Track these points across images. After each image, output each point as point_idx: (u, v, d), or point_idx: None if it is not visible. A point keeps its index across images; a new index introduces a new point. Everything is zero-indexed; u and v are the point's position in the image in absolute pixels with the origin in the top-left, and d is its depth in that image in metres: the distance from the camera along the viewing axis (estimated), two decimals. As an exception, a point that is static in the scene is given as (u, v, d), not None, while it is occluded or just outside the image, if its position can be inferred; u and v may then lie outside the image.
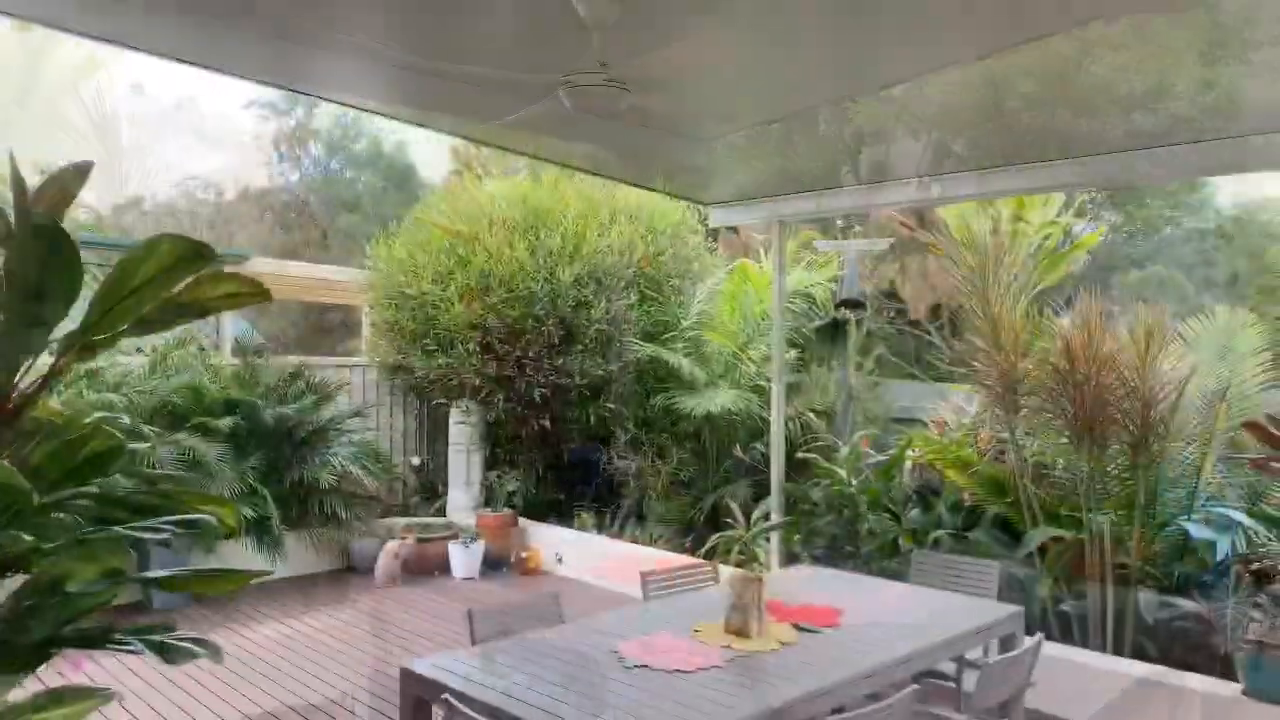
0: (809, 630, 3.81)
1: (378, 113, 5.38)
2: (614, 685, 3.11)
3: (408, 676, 3.33)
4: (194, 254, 1.96)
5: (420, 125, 5.58)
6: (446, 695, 2.94)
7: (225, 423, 7.81)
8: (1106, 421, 5.58)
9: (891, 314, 20.29)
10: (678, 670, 3.28)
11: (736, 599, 3.72)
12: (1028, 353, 5.99)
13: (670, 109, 3.88)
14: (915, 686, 3.04)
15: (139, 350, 8.71)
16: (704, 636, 3.69)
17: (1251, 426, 4.71)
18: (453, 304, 8.71)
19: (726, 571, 4.91)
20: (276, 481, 8.38)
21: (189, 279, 2.03)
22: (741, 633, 3.68)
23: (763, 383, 8.93)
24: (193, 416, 7.90)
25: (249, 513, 7.71)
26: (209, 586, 1.87)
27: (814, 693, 3.09)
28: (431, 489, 10.16)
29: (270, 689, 5.66)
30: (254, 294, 2.15)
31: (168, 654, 1.94)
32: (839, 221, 11.14)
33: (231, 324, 9.94)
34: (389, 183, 30.25)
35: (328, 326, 25.16)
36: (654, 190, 6.84)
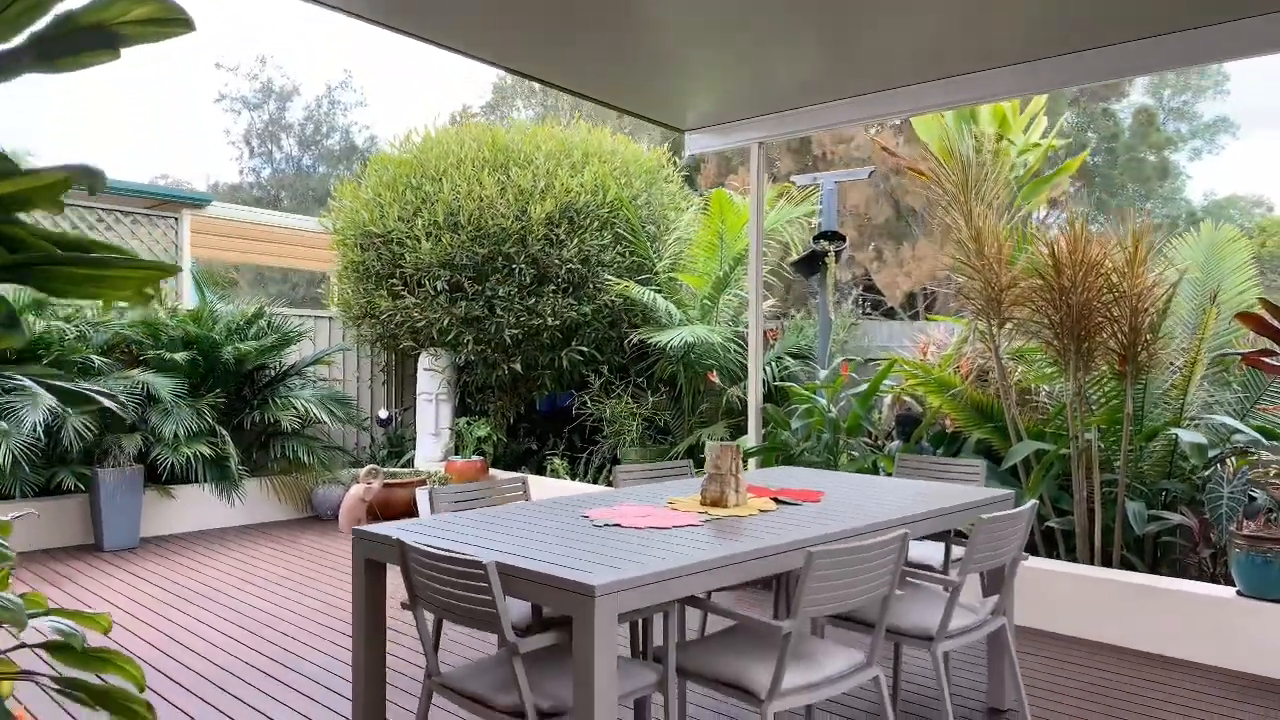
0: (790, 504, 3.60)
1: (345, 10, 5.05)
2: (581, 539, 2.88)
3: (359, 538, 3.08)
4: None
5: (391, 27, 5.29)
6: (399, 537, 2.70)
7: (181, 357, 7.50)
8: (1094, 330, 5.41)
9: (868, 306, 20.18)
10: (652, 528, 3.06)
11: (713, 468, 3.50)
12: (1012, 264, 5.81)
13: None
14: (905, 530, 2.83)
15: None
16: (679, 506, 3.46)
17: (1246, 317, 4.55)
18: (420, 241, 8.43)
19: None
20: (236, 425, 8.07)
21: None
22: (719, 502, 3.46)
23: (740, 328, 8.72)
24: (148, 352, 7.58)
25: (206, 452, 7.41)
26: (109, 286, 1.61)
27: (799, 541, 2.88)
28: (399, 443, 9.86)
29: (227, 615, 5.39)
30: (178, 20, 1.90)
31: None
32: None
33: (190, 279, 9.61)
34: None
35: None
36: (626, 111, 6.55)
